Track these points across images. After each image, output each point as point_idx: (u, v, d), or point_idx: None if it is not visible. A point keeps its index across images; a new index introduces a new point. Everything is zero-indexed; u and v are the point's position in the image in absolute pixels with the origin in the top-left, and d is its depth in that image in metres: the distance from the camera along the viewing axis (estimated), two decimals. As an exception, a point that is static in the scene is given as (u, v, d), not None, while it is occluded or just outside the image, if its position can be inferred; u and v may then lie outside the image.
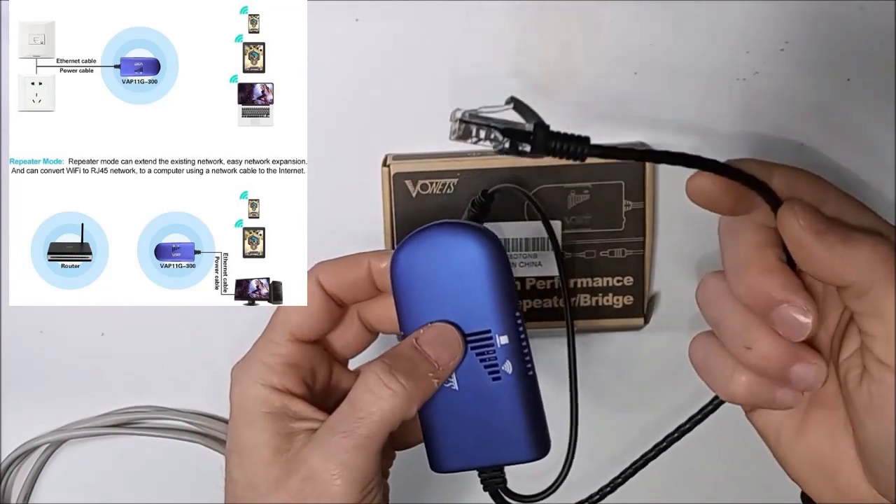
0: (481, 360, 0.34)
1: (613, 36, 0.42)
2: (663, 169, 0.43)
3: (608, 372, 0.46)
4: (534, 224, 0.42)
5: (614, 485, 0.36)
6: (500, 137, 0.27)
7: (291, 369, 0.35)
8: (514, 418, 0.34)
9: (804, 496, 0.33)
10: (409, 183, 0.42)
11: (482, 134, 0.27)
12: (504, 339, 0.34)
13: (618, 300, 0.43)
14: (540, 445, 0.35)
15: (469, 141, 0.28)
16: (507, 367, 0.34)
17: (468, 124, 0.28)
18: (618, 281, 0.43)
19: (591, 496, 0.36)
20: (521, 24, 0.42)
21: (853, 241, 0.28)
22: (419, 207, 0.42)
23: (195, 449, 0.46)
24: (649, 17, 0.42)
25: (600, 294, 0.43)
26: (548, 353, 0.45)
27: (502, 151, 0.28)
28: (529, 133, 0.27)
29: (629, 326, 0.44)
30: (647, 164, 0.42)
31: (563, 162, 0.41)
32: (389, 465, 0.38)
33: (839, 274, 0.29)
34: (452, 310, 0.34)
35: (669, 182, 0.43)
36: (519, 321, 0.34)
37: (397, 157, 0.42)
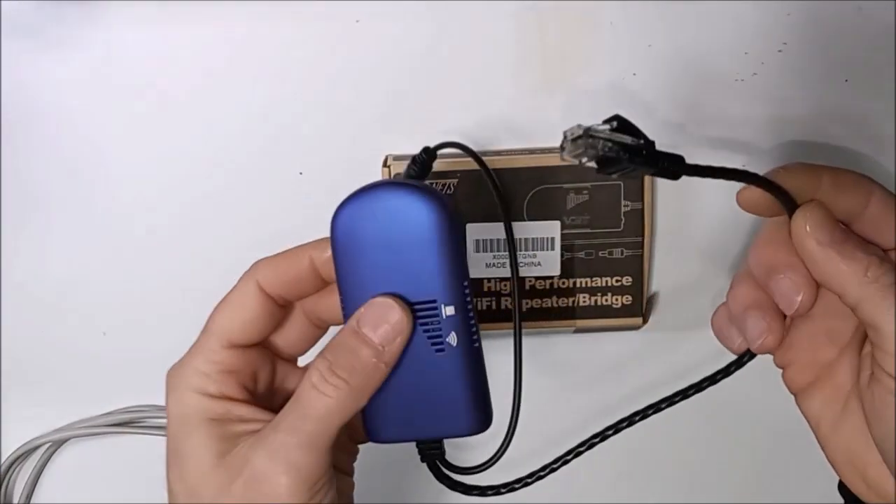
0: (425, 331, 0.32)
1: (613, 36, 0.42)
2: (662, 169, 0.43)
3: (607, 372, 0.46)
4: (534, 224, 0.42)
5: (563, 461, 0.36)
6: (621, 154, 0.27)
7: (229, 376, 0.33)
8: (455, 391, 0.32)
9: (841, 485, 0.34)
10: (409, 183, 0.42)
11: (600, 148, 0.27)
12: (450, 310, 0.32)
13: (617, 300, 0.44)
14: (481, 419, 0.33)
15: (580, 157, 0.27)
16: (452, 338, 0.32)
17: (593, 137, 0.27)
18: (616, 281, 0.43)
19: (535, 472, 0.36)
20: (521, 24, 0.42)
21: (850, 259, 0.30)
22: (419, 208, 0.42)
23: (196, 448, 0.46)
24: (649, 17, 0.42)
25: (599, 294, 0.43)
26: (549, 354, 0.45)
27: (604, 168, 0.27)
28: (640, 149, 0.27)
29: (628, 326, 0.44)
30: (647, 165, 0.42)
31: (562, 162, 0.42)
32: (352, 461, 0.36)
33: (832, 284, 0.30)
34: (397, 277, 0.32)
35: (668, 182, 0.43)
36: (467, 291, 0.32)
37: (397, 158, 0.42)
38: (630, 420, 0.36)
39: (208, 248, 0.45)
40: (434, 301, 0.32)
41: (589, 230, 0.43)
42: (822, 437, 0.34)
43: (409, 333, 0.32)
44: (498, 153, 0.42)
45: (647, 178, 0.42)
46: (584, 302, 0.44)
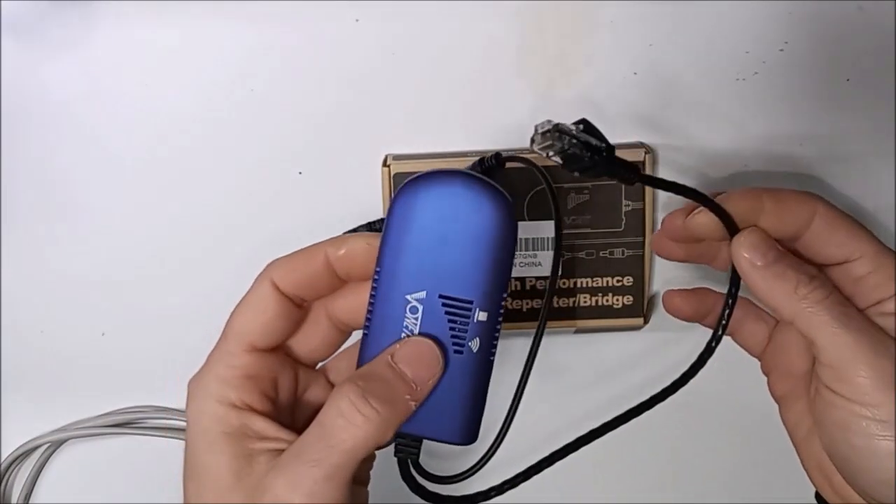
0: (451, 328, 0.31)
1: (613, 36, 0.42)
2: (662, 170, 0.43)
3: (607, 372, 0.46)
4: (533, 224, 0.42)
5: (538, 468, 0.35)
6: (584, 152, 0.29)
7: (250, 382, 0.32)
8: (457, 396, 0.32)
9: (817, 494, 0.35)
10: (409, 183, 0.42)
11: (566, 144, 0.29)
12: (483, 316, 0.31)
13: (618, 300, 0.43)
14: (471, 432, 0.32)
15: (548, 149, 0.29)
16: (475, 344, 0.31)
17: (560, 133, 0.29)
18: (617, 281, 0.43)
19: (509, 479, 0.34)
20: (521, 24, 0.42)
21: (781, 278, 0.32)
22: (419, 207, 0.42)
23: (195, 449, 0.46)
24: (649, 17, 0.42)
25: (600, 294, 0.43)
26: (549, 354, 0.45)
27: (568, 164, 0.29)
28: (601, 151, 0.29)
29: (629, 326, 0.44)
30: (648, 165, 0.42)
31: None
32: (370, 468, 0.35)
33: (768, 302, 0.33)
34: (440, 266, 0.31)
35: (669, 182, 0.43)
36: (502, 303, 0.32)
37: (397, 157, 0.42)
38: (604, 429, 0.35)
39: (208, 248, 0.45)
40: (471, 302, 0.31)
41: (590, 230, 0.43)
42: (797, 446, 0.36)
43: (441, 374, 0.31)
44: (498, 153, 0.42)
45: (647, 178, 0.42)
46: (585, 302, 0.43)
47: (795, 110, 0.43)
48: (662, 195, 0.43)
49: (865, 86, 0.42)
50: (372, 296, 0.32)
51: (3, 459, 0.47)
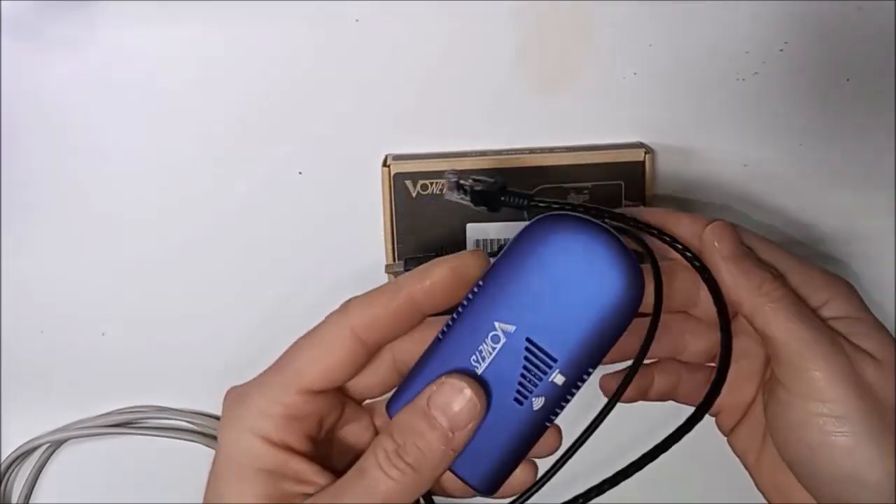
0: (522, 375, 0.29)
1: (613, 36, 0.42)
2: (662, 169, 0.43)
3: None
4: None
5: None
6: (475, 185, 0.36)
7: (294, 423, 0.30)
8: (497, 445, 0.30)
9: None
10: (409, 183, 0.42)
11: (465, 183, 0.36)
12: (559, 380, 0.29)
13: (617, 300, 0.43)
14: (494, 484, 0.31)
15: (457, 192, 0.36)
16: (538, 402, 0.29)
17: (457, 183, 0.36)
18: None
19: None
20: (521, 24, 0.42)
21: (747, 273, 0.32)
22: (419, 207, 0.42)
23: (196, 448, 0.46)
24: (649, 17, 0.42)
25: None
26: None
27: (476, 194, 0.36)
28: (494, 193, 0.35)
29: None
30: (648, 165, 0.42)
31: (564, 162, 0.42)
32: None
33: (731, 295, 0.33)
34: (544, 310, 0.29)
35: (668, 182, 0.43)
36: (585, 377, 0.29)
37: (397, 157, 0.42)
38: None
39: (208, 248, 0.45)
40: (555, 360, 0.29)
41: (589, 230, 0.43)
42: (750, 470, 0.36)
43: (481, 419, 0.29)
44: (498, 153, 0.42)
45: (648, 178, 0.42)
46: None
47: (795, 110, 0.43)
48: (663, 195, 0.43)
49: (865, 86, 0.42)
50: (461, 307, 0.30)
51: (3, 459, 0.47)
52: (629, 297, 0.28)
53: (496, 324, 0.29)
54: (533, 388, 0.29)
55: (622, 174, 0.42)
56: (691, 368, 0.36)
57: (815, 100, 0.43)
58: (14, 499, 0.48)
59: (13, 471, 0.48)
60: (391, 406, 0.31)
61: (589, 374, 0.29)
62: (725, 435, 0.37)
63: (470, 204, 0.36)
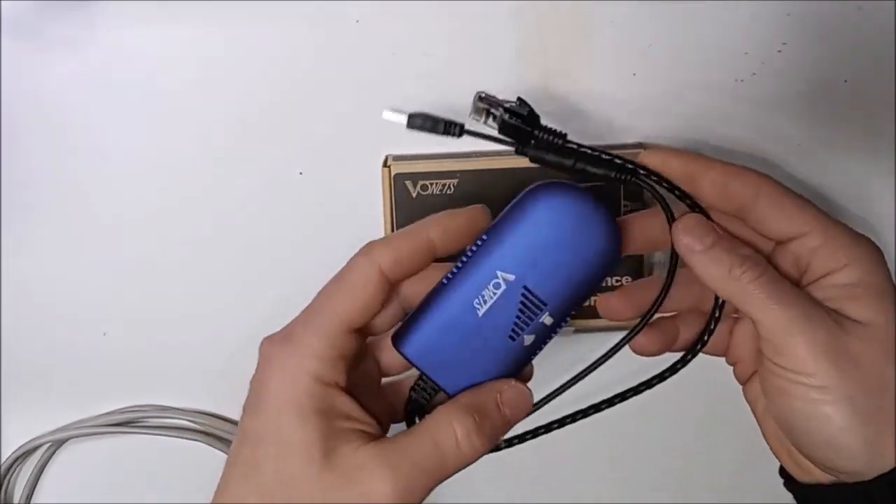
0: (517, 317, 0.34)
1: (613, 36, 0.42)
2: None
3: (607, 372, 0.46)
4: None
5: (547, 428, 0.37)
6: (506, 117, 0.34)
7: (342, 362, 0.33)
8: (489, 371, 0.34)
9: (781, 469, 0.37)
10: (409, 183, 0.42)
11: (495, 112, 0.34)
12: (548, 321, 0.34)
13: (617, 300, 0.43)
14: None
15: (483, 118, 0.34)
16: (528, 339, 0.34)
17: (489, 103, 0.34)
18: (617, 281, 0.43)
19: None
20: (521, 24, 0.42)
21: (717, 262, 0.33)
22: (419, 208, 0.42)
23: (197, 447, 0.46)
24: (649, 17, 0.42)
25: (600, 294, 0.43)
26: (549, 354, 0.45)
27: (504, 129, 0.34)
28: (527, 118, 0.34)
29: (629, 326, 0.44)
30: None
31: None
32: None
33: (708, 284, 0.34)
34: (541, 264, 0.33)
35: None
36: (567, 319, 0.34)
37: (397, 158, 0.42)
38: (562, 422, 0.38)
39: (208, 248, 0.45)
40: (545, 304, 0.34)
41: (589, 230, 0.43)
42: (759, 420, 0.37)
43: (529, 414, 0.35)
44: (498, 153, 0.42)
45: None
46: (585, 302, 0.43)
47: (794, 111, 0.43)
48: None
49: (864, 87, 0.42)
50: (465, 257, 0.34)
51: (4, 459, 0.47)
52: (608, 253, 0.34)
53: (498, 272, 0.34)
54: (525, 327, 0.34)
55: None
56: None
57: (813, 100, 0.43)
58: (15, 499, 0.48)
59: (14, 471, 0.48)
60: (398, 338, 0.34)
61: (572, 314, 0.34)
62: (741, 384, 0.38)
63: (494, 132, 0.34)
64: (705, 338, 0.36)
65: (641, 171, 0.34)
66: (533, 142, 0.34)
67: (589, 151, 0.35)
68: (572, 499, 0.48)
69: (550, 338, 0.35)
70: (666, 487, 0.48)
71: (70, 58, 0.42)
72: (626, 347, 0.39)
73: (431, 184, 0.42)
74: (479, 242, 0.34)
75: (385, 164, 0.42)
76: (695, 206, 0.34)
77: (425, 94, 0.43)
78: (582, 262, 0.33)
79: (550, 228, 0.33)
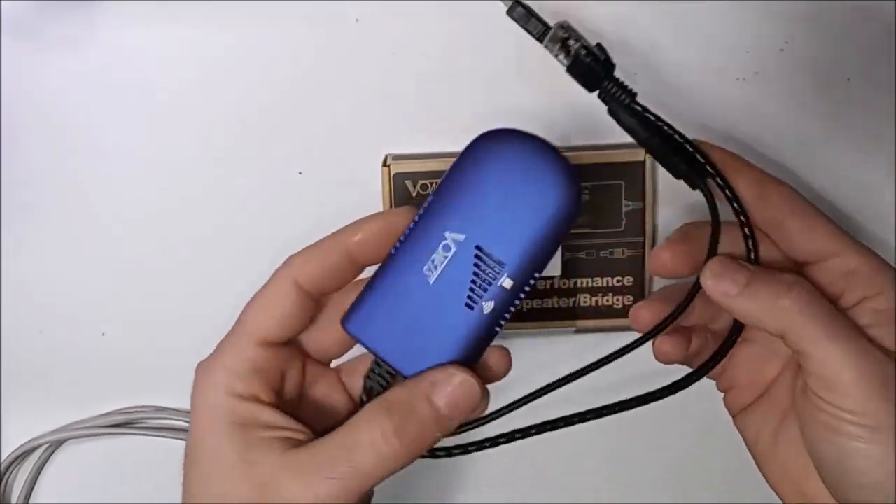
0: (472, 281, 0.30)
1: (613, 36, 0.42)
2: (663, 169, 0.43)
3: (607, 372, 0.46)
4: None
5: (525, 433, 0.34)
6: (582, 53, 0.33)
7: (259, 374, 0.32)
8: (448, 349, 0.31)
9: None
10: (409, 183, 0.42)
11: (572, 45, 0.33)
12: (507, 283, 0.30)
13: (618, 300, 0.43)
14: None
15: (557, 48, 0.33)
16: (488, 306, 0.31)
17: (569, 33, 0.33)
18: (618, 281, 0.43)
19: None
20: (521, 24, 0.42)
21: (755, 298, 0.31)
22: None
23: (195, 449, 0.46)
24: (649, 17, 0.42)
25: (600, 294, 0.43)
26: (549, 354, 0.45)
27: (574, 67, 0.33)
28: (603, 63, 0.33)
29: (629, 327, 0.44)
30: (648, 165, 0.42)
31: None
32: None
33: (754, 323, 0.32)
34: (492, 219, 0.30)
35: (669, 182, 0.43)
36: (531, 282, 0.31)
37: (397, 157, 0.42)
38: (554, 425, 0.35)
39: (208, 248, 0.45)
40: (503, 265, 0.30)
41: (590, 230, 0.43)
42: (760, 455, 0.35)
43: (481, 412, 0.32)
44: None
45: (648, 178, 0.42)
46: (585, 302, 0.43)
47: (796, 110, 0.43)
48: (663, 195, 0.43)
49: (866, 86, 0.42)
50: (413, 223, 0.31)
51: (2, 459, 0.47)
52: (569, 205, 0.30)
53: (447, 234, 0.31)
54: (483, 292, 0.30)
55: (622, 174, 0.42)
56: (717, 338, 0.36)
57: (815, 100, 0.42)
58: (13, 499, 0.48)
59: (13, 471, 0.48)
60: (347, 319, 0.32)
61: (535, 279, 0.31)
62: (733, 415, 0.36)
63: (563, 66, 0.32)
64: (711, 362, 0.34)
65: (717, 179, 0.32)
66: (599, 91, 0.32)
67: (662, 126, 0.33)
68: (572, 499, 0.48)
69: (514, 305, 0.31)
70: (666, 487, 0.48)
71: (70, 58, 0.42)
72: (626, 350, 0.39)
73: (431, 183, 0.42)
74: (425, 205, 0.31)
75: (385, 164, 0.42)
76: (744, 226, 0.32)
77: (425, 95, 0.43)
78: (537, 214, 0.30)
79: (498, 180, 0.30)
